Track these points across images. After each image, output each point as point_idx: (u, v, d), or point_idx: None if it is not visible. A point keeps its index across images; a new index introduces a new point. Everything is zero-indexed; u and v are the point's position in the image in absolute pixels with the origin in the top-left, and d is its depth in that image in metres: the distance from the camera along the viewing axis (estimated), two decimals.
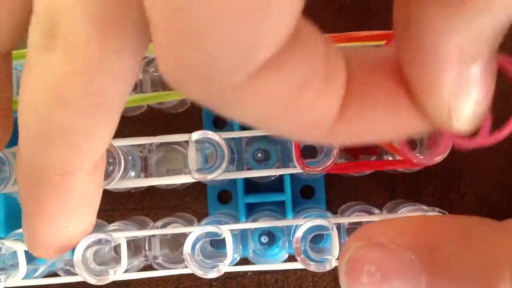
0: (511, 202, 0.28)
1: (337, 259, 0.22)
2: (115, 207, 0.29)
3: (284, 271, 0.29)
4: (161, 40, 0.11)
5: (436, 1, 0.12)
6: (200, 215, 0.29)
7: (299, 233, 0.22)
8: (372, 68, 0.14)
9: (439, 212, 0.24)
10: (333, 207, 0.29)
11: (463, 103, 0.14)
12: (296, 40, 0.12)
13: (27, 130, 0.17)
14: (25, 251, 0.23)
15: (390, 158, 0.24)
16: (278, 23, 0.11)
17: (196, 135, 0.22)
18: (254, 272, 0.29)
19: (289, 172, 0.25)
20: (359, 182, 0.29)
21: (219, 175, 0.23)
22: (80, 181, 0.18)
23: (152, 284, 0.29)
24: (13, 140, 0.20)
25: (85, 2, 0.13)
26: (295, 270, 0.29)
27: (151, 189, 0.29)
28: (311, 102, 0.13)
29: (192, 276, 0.28)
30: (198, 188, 0.29)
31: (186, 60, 0.11)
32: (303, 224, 0.22)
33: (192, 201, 0.29)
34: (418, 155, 0.22)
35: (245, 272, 0.29)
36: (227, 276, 0.28)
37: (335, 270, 0.28)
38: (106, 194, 0.29)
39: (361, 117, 0.14)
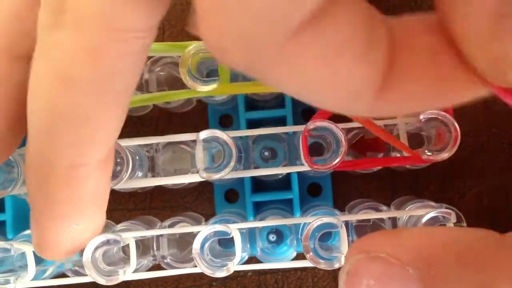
0: (511, 202, 0.28)
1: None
2: (114, 207, 0.29)
3: (284, 272, 0.29)
4: (206, 8, 0.11)
5: None
6: (201, 215, 0.29)
7: (308, 231, 0.22)
8: (416, 33, 0.14)
9: (447, 208, 0.24)
10: (338, 205, 0.29)
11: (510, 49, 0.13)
12: (337, 2, 0.12)
13: (34, 119, 0.16)
14: (33, 252, 0.23)
15: (398, 155, 0.24)
16: None
17: (203, 134, 0.22)
18: (254, 272, 0.29)
19: (297, 170, 0.25)
20: (360, 182, 0.29)
21: (227, 174, 0.23)
22: (90, 175, 0.18)
23: (152, 284, 0.29)
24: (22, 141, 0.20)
25: None
26: (295, 271, 0.29)
27: (151, 190, 0.29)
28: (352, 67, 0.13)
29: (192, 276, 0.28)
30: (199, 188, 0.29)
31: (231, 24, 0.11)
32: (312, 222, 0.22)
33: (192, 202, 0.29)
34: (426, 151, 0.22)
35: (245, 272, 0.29)
36: (227, 276, 0.29)
37: (335, 271, 0.28)
38: None
39: (407, 85, 0.14)
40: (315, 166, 0.22)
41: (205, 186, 0.29)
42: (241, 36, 0.12)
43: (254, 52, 0.12)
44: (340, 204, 0.29)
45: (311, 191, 0.29)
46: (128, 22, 0.14)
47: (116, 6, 0.14)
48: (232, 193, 0.29)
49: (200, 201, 0.29)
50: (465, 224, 0.24)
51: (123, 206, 0.30)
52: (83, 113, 0.16)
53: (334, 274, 0.28)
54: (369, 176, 0.29)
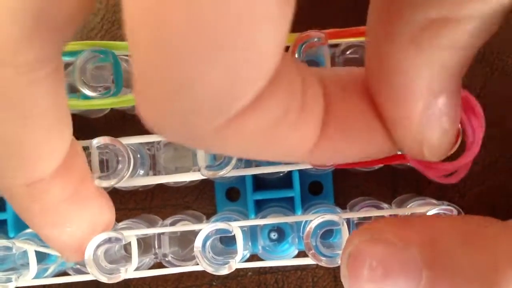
0: (511, 202, 0.28)
1: None
2: (115, 206, 0.29)
3: (284, 272, 0.29)
4: (145, 90, 0.12)
5: (406, 40, 0.13)
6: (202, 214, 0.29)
7: (310, 229, 0.22)
8: (346, 92, 0.15)
9: (449, 205, 0.24)
10: (339, 203, 0.29)
11: (432, 134, 0.15)
12: (272, 83, 0.12)
13: None
14: (35, 250, 0.23)
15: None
16: (258, 77, 0.11)
17: None
18: (254, 272, 0.29)
19: (298, 168, 0.25)
20: (360, 181, 0.29)
21: (228, 171, 0.23)
22: (51, 185, 0.18)
23: (152, 284, 0.29)
24: None
25: None
26: (295, 270, 0.29)
27: (152, 188, 0.29)
28: (287, 134, 0.13)
29: (192, 276, 0.28)
30: (199, 187, 0.29)
31: (171, 109, 0.12)
32: (314, 220, 0.22)
33: (192, 201, 0.29)
34: None
35: (245, 272, 0.29)
36: (227, 276, 0.29)
37: (335, 270, 0.28)
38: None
39: (336, 143, 0.15)
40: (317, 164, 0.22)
41: (206, 185, 0.29)
42: (180, 120, 0.12)
43: (192, 134, 0.12)
44: (341, 203, 0.29)
45: (312, 190, 0.29)
46: (32, 57, 0.14)
47: (17, 44, 0.14)
48: (233, 192, 0.29)
49: (200, 200, 0.29)
50: None
51: (123, 206, 0.30)
52: (11, 139, 0.16)
53: (334, 274, 0.28)
54: (370, 175, 0.29)
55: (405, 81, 0.14)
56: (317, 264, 0.28)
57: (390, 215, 0.24)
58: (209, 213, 0.29)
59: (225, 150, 0.14)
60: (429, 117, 0.15)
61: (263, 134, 0.13)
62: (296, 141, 0.14)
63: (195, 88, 0.11)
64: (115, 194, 0.29)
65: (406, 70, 0.14)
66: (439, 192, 0.29)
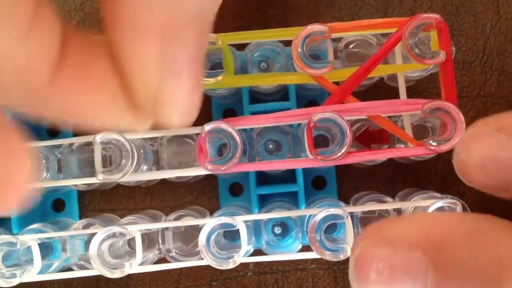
0: (511, 202, 0.28)
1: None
2: (115, 207, 0.29)
3: (284, 272, 0.29)
4: None
5: None
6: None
7: (314, 223, 0.22)
8: (87, 47, 0.14)
9: (452, 199, 0.24)
10: (342, 199, 0.29)
11: (172, 87, 0.14)
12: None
13: None
14: (39, 246, 0.23)
15: (402, 147, 0.24)
16: None
17: (208, 127, 0.22)
18: (254, 272, 0.29)
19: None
20: (360, 182, 0.29)
21: (232, 166, 0.23)
22: None
23: (152, 284, 0.29)
24: None
25: None
26: (295, 271, 0.29)
27: (151, 189, 0.29)
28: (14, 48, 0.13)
29: (192, 276, 0.28)
30: (198, 188, 0.29)
31: None
32: (318, 213, 0.22)
33: (192, 201, 0.29)
34: (431, 141, 0.22)
35: (245, 273, 0.29)
36: (227, 276, 0.28)
37: (335, 271, 0.28)
38: (106, 194, 0.29)
39: (72, 89, 0.14)
40: (320, 157, 0.22)
41: (205, 186, 0.29)
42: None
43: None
44: (344, 198, 0.29)
45: (316, 185, 0.29)
46: None
47: None
48: (236, 187, 0.29)
49: (200, 200, 0.29)
50: None
51: (123, 206, 0.30)
52: None
53: (334, 274, 0.28)
54: (368, 176, 0.29)
55: (138, 14, 0.13)
56: (317, 264, 0.28)
57: (394, 208, 0.24)
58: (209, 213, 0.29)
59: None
60: (167, 66, 0.14)
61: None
62: (28, 56, 0.13)
63: None
64: (114, 194, 0.29)
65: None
66: (440, 192, 0.29)
